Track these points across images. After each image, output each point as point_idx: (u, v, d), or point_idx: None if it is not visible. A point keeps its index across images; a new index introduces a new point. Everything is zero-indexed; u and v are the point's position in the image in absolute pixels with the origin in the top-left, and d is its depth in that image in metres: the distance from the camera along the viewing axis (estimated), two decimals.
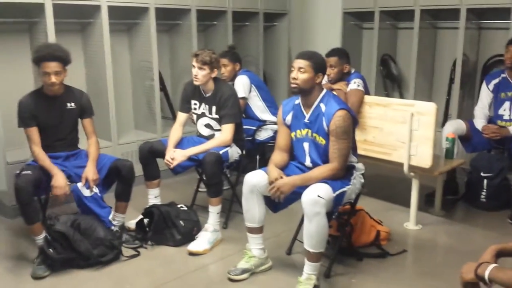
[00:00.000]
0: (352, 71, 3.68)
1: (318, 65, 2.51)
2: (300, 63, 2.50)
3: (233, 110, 3.22)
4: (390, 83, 5.02)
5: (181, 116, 3.40)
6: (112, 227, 3.04)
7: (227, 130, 3.21)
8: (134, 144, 4.25)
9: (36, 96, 2.97)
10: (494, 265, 1.57)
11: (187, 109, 3.40)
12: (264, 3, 5.08)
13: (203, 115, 3.34)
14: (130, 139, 4.31)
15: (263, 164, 4.15)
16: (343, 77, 3.62)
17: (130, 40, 4.51)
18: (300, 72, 2.49)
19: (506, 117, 3.71)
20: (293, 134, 2.67)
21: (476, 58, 4.45)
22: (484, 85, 3.87)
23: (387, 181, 4.14)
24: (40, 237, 2.82)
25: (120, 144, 4.16)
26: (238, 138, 3.38)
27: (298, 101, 2.64)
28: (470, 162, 3.76)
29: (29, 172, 2.78)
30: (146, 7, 4.13)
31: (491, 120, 3.79)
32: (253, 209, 2.65)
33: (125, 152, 4.11)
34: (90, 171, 2.92)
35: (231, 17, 4.77)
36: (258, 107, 4.07)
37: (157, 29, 4.25)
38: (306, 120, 2.59)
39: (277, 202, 2.63)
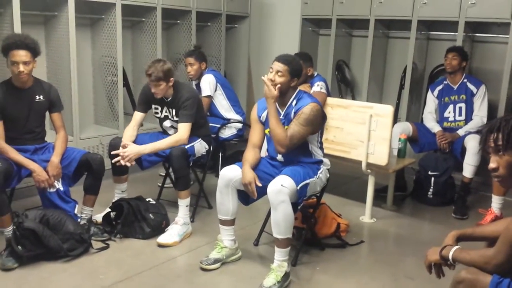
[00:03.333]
0: (315, 74, 3.90)
1: (295, 71, 2.67)
2: (279, 66, 2.64)
3: (191, 111, 3.25)
4: (344, 87, 5.29)
5: (138, 116, 3.37)
6: (79, 220, 3.06)
7: (183, 130, 3.23)
8: (96, 139, 4.25)
9: (4, 88, 2.93)
10: (457, 247, 1.80)
11: (144, 109, 3.39)
12: (227, 5, 5.20)
13: (166, 118, 3.39)
14: (91, 134, 4.29)
15: (225, 160, 4.30)
16: (307, 79, 3.81)
17: (93, 35, 4.48)
18: (278, 75, 2.63)
19: (451, 118, 4.06)
20: (267, 131, 2.81)
21: (423, 66, 4.81)
22: (429, 92, 4.22)
23: (342, 179, 4.39)
24: (9, 229, 2.79)
25: (82, 139, 4.14)
26: (205, 134, 3.48)
27: None
28: (419, 162, 4.08)
29: None
30: (113, 3, 4.14)
31: (437, 123, 4.12)
32: (227, 202, 2.77)
33: (86, 147, 4.08)
34: (52, 166, 2.92)
35: (195, 17, 4.86)
36: (223, 106, 4.19)
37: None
38: (280, 117, 2.73)
39: (248, 196, 2.79)
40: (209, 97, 4.10)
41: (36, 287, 2.56)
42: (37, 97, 3.02)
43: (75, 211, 3.02)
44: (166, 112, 3.37)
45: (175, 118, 3.33)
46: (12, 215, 2.81)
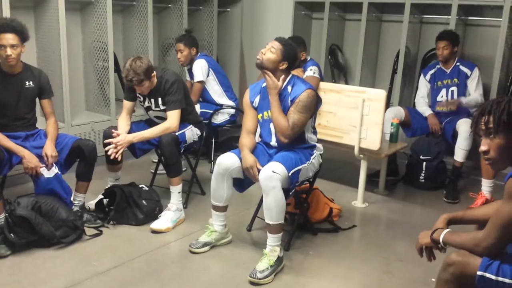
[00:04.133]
0: (308, 58, 3.88)
1: (288, 54, 2.66)
2: (274, 44, 2.65)
3: (178, 96, 3.17)
4: (337, 71, 5.28)
5: (127, 105, 3.31)
6: (73, 207, 3.05)
7: (173, 117, 3.16)
8: (87, 126, 4.23)
9: None
10: (447, 230, 1.82)
11: (132, 97, 3.31)
12: None
13: (149, 108, 3.33)
14: (83, 121, 4.26)
15: (218, 147, 4.29)
16: (300, 64, 3.79)
17: (83, 20, 4.42)
18: (270, 51, 2.64)
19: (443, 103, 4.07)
20: (259, 116, 2.81)
21: (416, 50, 4.80)
22: (422, 77, 4.23)
23: (335, 164, 4.40)
24: (1, 217, 2.78)
25: (74, 126, 4.11)
26: (195, 121, 3.46)
27: (265, 84, 2.77)
28: (411, 146, 4.10)
29: None
30: None
31: (430, 107, 4.12)
32: (221, 189, 2.77)
33: (78, 134, 4.04)
34: (48, 148, 2.91)
35: (187, 0, 4.80)
36: (215, 91, 4.17)
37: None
38: None
39: (243, 183, 2.80)
40: (202, 82, 4.08)
41: (30, 274, 2.56)
42: (27, 83, 2.99)
43: (72, 198, 2.99)
44: (148, 103, 3.29)
45: (161, 107, 3.25)
46: (4, 202, 2.80)
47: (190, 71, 4.21)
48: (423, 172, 3.95)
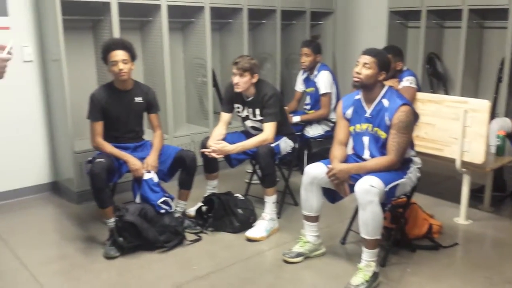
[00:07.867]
0: (404, 68, 3.78)
1: (383, 63, 2.62)
2: (365, 59, 2.61)
3: (275, 109, 3.26)
4: (436, 81, 5.06)
5: (225, 116, 3.46)
6: (162, 211, 3.08)
7: (269, 129, 3.24)
8: (188, 137, 4.47)
9: (107, 90, 3.18)
10: None
11: (229, 109, 3.46)
12: (311, 2, 5.20)
13: (247, 118, 3.44)
14: (184, 133, 4.51)
15: (311, 158, 4.29)
16: (395, 74, 3.71)
17: (184, 38, 4.70)
18: (365, 67, 2.60)
19: None
20: (352, 128, 2.79)
21: None
22: None
23: (435, 178, 4.21)
24: (111, 221, 3.03)
25: (176, 137, 4.36)
26: (289, 132, 3.51)
27: (358, 96, 2.75)
28: None
29: (102, 159, 2.98)
30: (202, 7, 4.32)
31: None
32: (311, 199, 2.79)
33: (179, 145, 4.27)
34: (151, 158, 3.14)
35: (280, 15, 4.91)
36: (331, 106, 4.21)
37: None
38: (367, 115, 2.70)
39: (335, 194, 2.78)
40: (329, 94, 4.14)
41: (137, 274, 2.76)
42: (136, 98, 3.23)
43: (159, 202, 3.06)
44: (246, 112, 3.41)
45: (257, 118, 3.36)
46: (114, 208, 3.05)
47: (306, 80, 4.31)
48: None
